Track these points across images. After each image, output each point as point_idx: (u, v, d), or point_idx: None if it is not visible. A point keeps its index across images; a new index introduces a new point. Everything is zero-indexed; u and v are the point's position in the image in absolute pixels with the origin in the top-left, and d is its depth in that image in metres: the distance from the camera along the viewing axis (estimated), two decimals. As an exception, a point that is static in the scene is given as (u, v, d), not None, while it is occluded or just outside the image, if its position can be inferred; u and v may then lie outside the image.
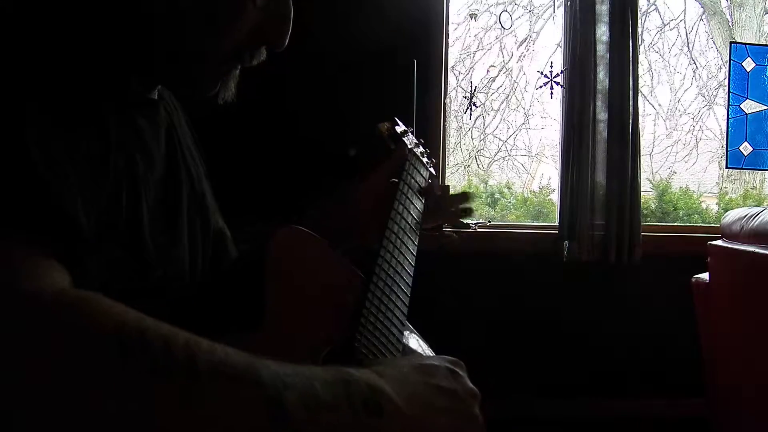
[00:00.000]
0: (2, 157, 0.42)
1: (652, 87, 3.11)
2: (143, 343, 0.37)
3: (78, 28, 0.54)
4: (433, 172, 1.04)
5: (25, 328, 0.36)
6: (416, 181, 0.93)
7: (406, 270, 0.77)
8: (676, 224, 2.76)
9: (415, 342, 0.75)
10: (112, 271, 0.50)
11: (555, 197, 2.65)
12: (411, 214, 0.86)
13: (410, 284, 0.76)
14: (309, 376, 0.42)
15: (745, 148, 2.69)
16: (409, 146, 1.00)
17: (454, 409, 0.51)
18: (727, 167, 2.85)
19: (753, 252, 1.65)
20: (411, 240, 0.82)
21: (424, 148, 1.05)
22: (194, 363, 0.38)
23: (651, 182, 2.90)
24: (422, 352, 0.74)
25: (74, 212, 0.45)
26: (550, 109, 2.83)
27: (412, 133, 1.05)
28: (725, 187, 3.24)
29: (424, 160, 1.01)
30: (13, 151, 0.42)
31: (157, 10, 0.55)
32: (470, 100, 2.55)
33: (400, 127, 1.03)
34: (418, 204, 0.90)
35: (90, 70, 0.53)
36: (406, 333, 0.71)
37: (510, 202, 2.96)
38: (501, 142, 3.12)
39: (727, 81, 2.70)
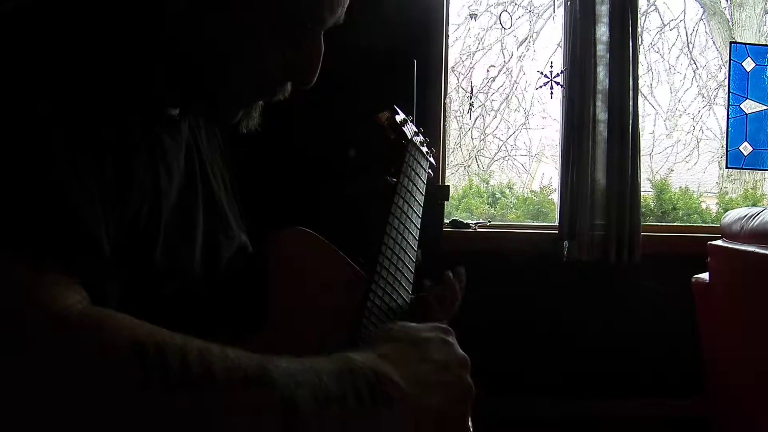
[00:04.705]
0: (26, 172, 0.42)
1: (652, 87, 3.11)
2: (161, 358, 0.37)
3: (114, 46, 0.53)
4: (433, 162, 1.02)
5: (48, 349, 0.36)
6: (416, 173, 0.90)
7: (408, 266, 0.76)
8: (676, 224, 2.76)
9: None
10: (125, 283, 0.50)
11: (555, 197, 2.65)
12: (412, 208, 0.83)
13: (412, 281, 0.75)
14: (317, 369, 0.43)
15: (745, 148, 2.69)
16: (409, 136, 0.98)
17: (449, 382, 0.52)
18: (727, 167, 2.85)
19: (753, 252, 1.65)
20: (412, 235, 0.80)
21: (423, 137, 1.02)
22: (210, 372, 0.38)
23: (651, 182, 2.90)
24: None
25: (97, 232, 0.45)
26: (550, 109, 2.83)
27: (412, 122, 1.03)
28: (725, 187, 3.24)
29: (424, 149, 0.99)
30: (39, 167, 0.42)
31: (211, 41, 0.55)
32: (470, 100, 2.55)
33: (400, 116, 1.00)
34: (420, 198, 0.87)
35: (121, 86, 0.53)
36: None
37: (510, 202, 2.96)
38: (501, 142, 3.12)
39: (727, 81, 2.70)
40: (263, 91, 0.61)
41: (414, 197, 0.85)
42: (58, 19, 0.50)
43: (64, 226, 0.42)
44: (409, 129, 1.00)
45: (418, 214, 0.84)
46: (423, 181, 0.92)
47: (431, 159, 1.01)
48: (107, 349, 0.37)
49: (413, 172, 0.89)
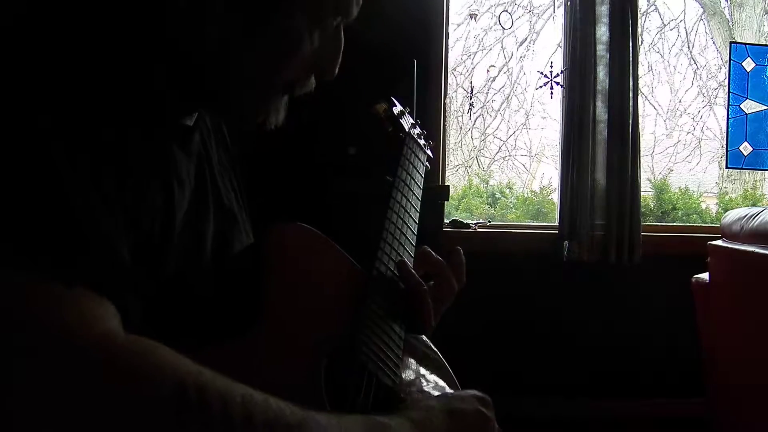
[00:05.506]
0: (47, 195, 0.41)
1: (652, 87, 3.11)
2: (201, 401, 0.37)
3: (114, 46, 0.52)
4: (431, 155, 1.01)
5: (88, 373, 0.36)
6: (414, 167, 0.89)
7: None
8: (676, 224, 2.76)
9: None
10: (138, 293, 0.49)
11: (555, 197, 2.65)
12: (410, 202, 0.82)
13: None
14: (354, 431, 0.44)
15: (745, 148, 2.69)
16: (406, 128, 0.97)
17: None
18: (727, 167, 2.85)
19: (753, 252, 1.65)
20: (411, 230, 0.79)
21: (421, 129, 1.01)
22: (251, 422, 0.38)
23: (651, 182, 2.90)
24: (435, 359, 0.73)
25: (121, 249, 0.44)
26: (550, 109, 2.83)
27: (410, 114, 1.02)
28: (725, 187, 3.24)
29: (422, 142, 0.98)
30: (59, 188, 0.41)
31: (212, 41, 0.55)
32: (470, 100, 2.55)
33: (397, 108, 0.99)
34: (418, 191, 0.86)
35: (122, 89, 0.52)
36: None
37: (510, 202, 2.96)
38: (501, 142, 3.12)
39: (727, 81, 2.70)
40: (283, 86, 0.61)
41: (412, 191, 0.84)
42: (57, 24, 0.50)
43: (91, 247, 0.42)
44: (407, 121, 0.99)
45: (416, 208, 0.83)
46: (421, 175, 0.91)
47: (429, 152, 0.99)
48: (147, 384, 0.36)
49: (411, 166, 0.88)
